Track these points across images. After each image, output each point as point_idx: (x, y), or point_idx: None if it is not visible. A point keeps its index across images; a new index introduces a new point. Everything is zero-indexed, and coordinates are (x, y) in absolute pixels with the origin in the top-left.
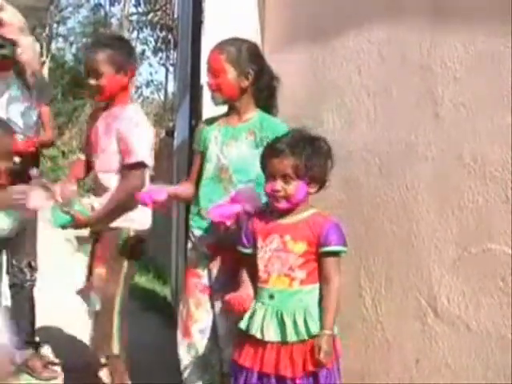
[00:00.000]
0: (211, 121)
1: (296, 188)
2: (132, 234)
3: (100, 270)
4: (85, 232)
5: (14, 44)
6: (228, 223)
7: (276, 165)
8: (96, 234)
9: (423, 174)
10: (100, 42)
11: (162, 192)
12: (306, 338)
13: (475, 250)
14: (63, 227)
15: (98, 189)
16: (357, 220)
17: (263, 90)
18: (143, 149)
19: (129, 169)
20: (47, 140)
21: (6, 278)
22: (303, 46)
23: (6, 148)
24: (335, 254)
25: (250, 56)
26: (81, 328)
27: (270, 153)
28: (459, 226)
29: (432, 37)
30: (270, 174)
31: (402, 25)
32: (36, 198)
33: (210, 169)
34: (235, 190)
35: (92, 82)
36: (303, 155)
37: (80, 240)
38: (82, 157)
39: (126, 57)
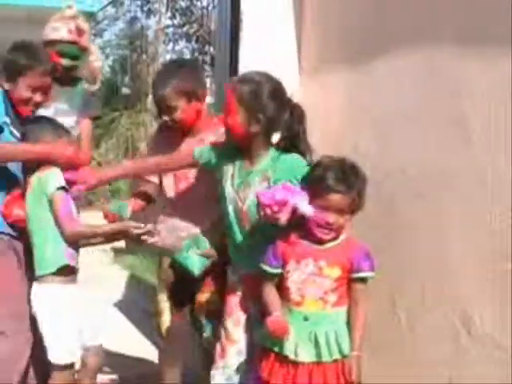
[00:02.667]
0: (229, 152)
1: (347, 220)
2: None
3: (214, 296)
4: (121, 243)
5: (85, 53)
6: (275, 209)
7: (334, 200)
8: None
9: (455, 195)
10: (164, 74)
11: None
12: (339, 357)
13: (507, 270)
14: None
15: (189, 211)
16: (392, 241)
17: (282, 131)
18: None
19: None
20: (83, 161)
21: None
22: (339, 70)
23: None
24: (365, 279)
25: (265, 98)
26: (117, 339)
27: (326, 188)
28: (491, 247)
29: (464, 63)
30: (323, 206)
31: (435, 50)
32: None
33: (230, 211)
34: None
35: (166, 117)
36: (356, 190)
37: (116, 251)
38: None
39: (194, 82)
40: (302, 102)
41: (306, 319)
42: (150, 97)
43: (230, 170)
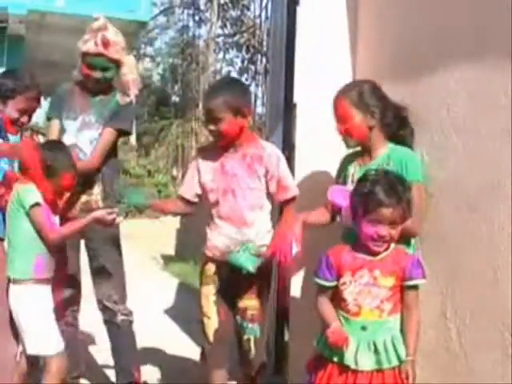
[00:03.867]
0: (350, 157)
1: (398, 232)
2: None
3: (254, 302)
4: (171, 251)
5: (118, 65)
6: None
7: (386, 214)
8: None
9: (508, 209)
10: (216, 88)
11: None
12: (397, 363)
13: None
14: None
15: (237, 223)
16: (443, 253)
17: (391, 123)
18: (293, 181)
19: (288, 202)
20: (85, 167)
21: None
22: (393, 84)
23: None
24: (417, 286)
25: (371, 95)
26: (166, 346)
27: (377, 202)
28: None
29: None
30: (375, 220)
31: (488, 63)
32: None
33: None
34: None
35: (212, 127)
36: (405, 200)
37: (166, 258)
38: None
39: (241, 99)
40: None
41: (363, 329)
42: (201, 105)
43: (351, 170)
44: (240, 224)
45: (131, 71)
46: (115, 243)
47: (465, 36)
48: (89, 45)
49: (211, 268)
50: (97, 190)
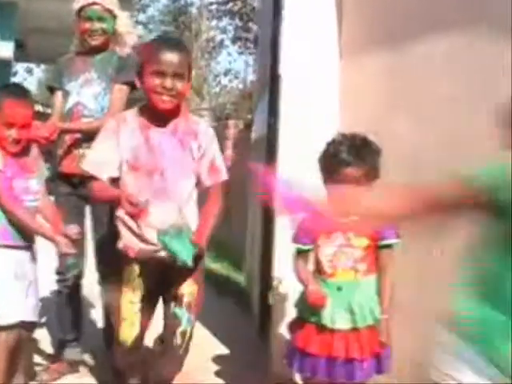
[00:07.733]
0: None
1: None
2: None
3: (192, 288)
4: None
5: (113, 17)
6: None
7: (348, 173)
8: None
9: None
10: (175, 42)
11: None
12: (372, 322)
13: None
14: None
15: (165, 199)
16: None
17: None
18: (223, 165)
19: (216, 186)
20: (101, 125)
21: None
22: (378, 54)
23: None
24: (391, 246)
25: None
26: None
27: (339, 162)
28: None
29: (503, 44)
30: (339, 180)
31: (473, 32)
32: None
33: None
34: None
35: (169, 84)
36: (369, 161)
37: None
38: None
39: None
40: (342, 85)
41: (339, 289)
42: (193, 73)
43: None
44: (171, 210)
45: (126, 24)
46: None
47: (453, 5)
48: None
49: (136, 269)
50: None
